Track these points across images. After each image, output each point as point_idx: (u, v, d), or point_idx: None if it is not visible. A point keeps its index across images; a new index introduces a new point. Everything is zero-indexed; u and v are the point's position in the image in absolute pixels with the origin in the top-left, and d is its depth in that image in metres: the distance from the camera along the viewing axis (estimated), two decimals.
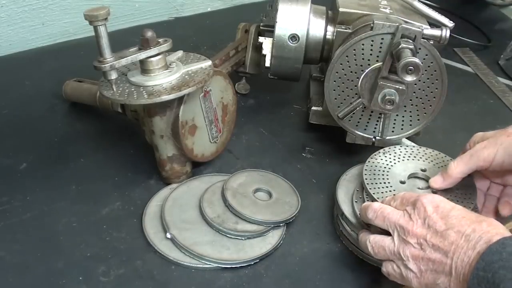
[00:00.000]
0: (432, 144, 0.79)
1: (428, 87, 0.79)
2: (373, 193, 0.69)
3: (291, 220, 0.74)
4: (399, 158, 0.76)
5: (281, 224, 0.73)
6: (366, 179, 0.72)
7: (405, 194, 0.64)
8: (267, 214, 0.72)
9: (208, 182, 0.78)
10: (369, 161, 0.75)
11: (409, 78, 0.71)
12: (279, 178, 0.80)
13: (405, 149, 0.77)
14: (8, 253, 0.68)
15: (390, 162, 0.75)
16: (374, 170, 0.73)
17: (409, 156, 0.76)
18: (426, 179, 0.72)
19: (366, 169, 0.73)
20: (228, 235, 0.70)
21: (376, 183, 0.71)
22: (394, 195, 0.66)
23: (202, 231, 0.70)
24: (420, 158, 0.76)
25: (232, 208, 0.72)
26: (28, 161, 0.83)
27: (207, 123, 0.79)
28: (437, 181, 0.69)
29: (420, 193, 0.70)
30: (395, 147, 0.78)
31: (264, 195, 0.76)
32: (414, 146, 0.79)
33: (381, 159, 0.75)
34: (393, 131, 0.82)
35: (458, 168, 0.67)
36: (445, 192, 0.69)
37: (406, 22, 0.79)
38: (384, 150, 0.77)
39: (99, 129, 0.91)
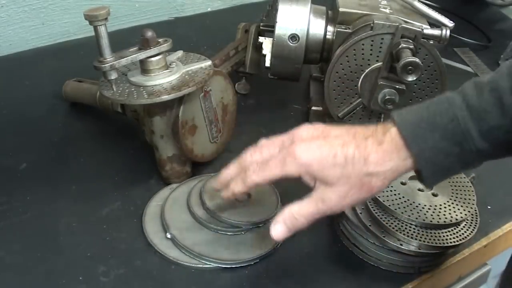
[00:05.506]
0: None
1: (428, 87, 0.79)
2: None
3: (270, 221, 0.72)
4: None
5: (260, 225, 0.71)
6: None
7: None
8: (246, 216, 0.71)
9: None
10: None
11: (409, 78, 0.72)
12: None
13: None
14: (8, 253, 0.68)
15: None
16: None
17: None
18: None
19: None
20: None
21: None
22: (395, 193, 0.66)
23: (202, 231, 0.70)
24: None
25: (209, 211, 0.71)
26: (28, 161, 0.82)
27: (207, 123, 0.79)
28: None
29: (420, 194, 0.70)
30: None
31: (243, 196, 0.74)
32: None
33: None
34: None
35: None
36: (444, 195, 0.69)
37: (406, 22, 0.79)
38: None
39: (99, 129, 0.91)
